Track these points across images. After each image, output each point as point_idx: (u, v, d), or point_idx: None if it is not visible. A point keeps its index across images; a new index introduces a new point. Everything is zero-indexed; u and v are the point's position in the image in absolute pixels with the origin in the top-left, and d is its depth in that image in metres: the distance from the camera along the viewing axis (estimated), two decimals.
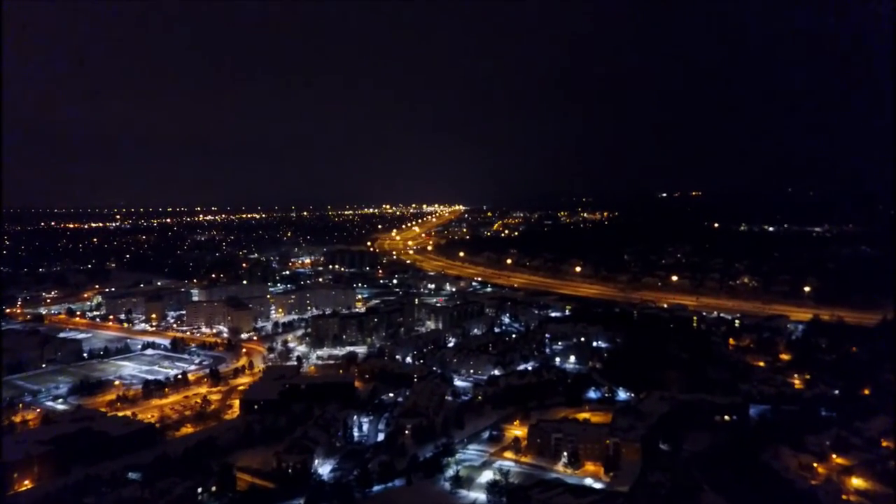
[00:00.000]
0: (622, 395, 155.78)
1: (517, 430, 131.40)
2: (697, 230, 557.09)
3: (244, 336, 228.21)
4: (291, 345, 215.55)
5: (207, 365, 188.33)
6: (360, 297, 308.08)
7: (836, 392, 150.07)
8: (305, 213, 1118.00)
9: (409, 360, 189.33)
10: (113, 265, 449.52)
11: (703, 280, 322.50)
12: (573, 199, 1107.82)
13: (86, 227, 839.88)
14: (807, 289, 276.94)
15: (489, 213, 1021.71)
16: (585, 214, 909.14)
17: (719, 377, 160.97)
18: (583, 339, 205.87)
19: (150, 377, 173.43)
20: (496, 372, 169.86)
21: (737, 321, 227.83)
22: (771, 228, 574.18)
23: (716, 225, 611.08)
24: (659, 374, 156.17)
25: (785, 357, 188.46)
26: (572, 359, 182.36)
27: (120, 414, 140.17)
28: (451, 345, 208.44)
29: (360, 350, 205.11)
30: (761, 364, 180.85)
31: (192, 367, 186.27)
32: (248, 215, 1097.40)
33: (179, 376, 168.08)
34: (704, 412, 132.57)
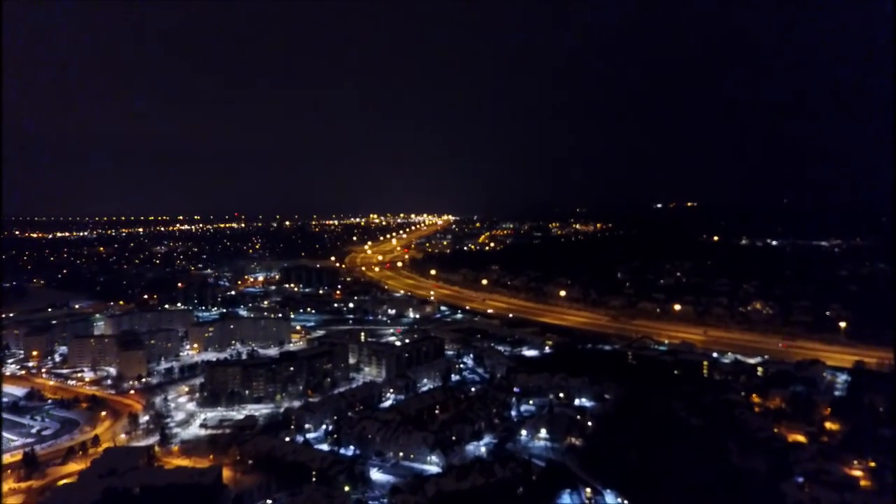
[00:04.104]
0: (609, 499, 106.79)
1: None
2: (696, 244, 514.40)
3: (129, 384, 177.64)
4: (182, 399, 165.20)
5: (46, 436, 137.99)
6: (304, 325, 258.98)
7: None
8: (287, 223, 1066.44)
9: (322, 430, 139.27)
10: (42, 282, 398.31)
11: (709, 306, 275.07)
12: (566, 209, 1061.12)
13: (49, 237, 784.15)
14: (842, 323, 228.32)
15: (478, 224, 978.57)
16: (578, 226, 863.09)
17: (750, 466, 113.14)
18: (561, 395, 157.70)
19: None
20: (434, 457, 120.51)
21: (759, 368, 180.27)
22: (774, 242, 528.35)
23: (715, 238, 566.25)
24: (664, 465, 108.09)
25: (832, 427, 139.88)
26: (543, 433, 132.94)
27: None
28: (388, 402, 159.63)
29: (268, 410, 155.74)
30: (802, 439, 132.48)
31: (18, 443, 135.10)
32: (226, 225, 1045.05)
33: None
34: None
